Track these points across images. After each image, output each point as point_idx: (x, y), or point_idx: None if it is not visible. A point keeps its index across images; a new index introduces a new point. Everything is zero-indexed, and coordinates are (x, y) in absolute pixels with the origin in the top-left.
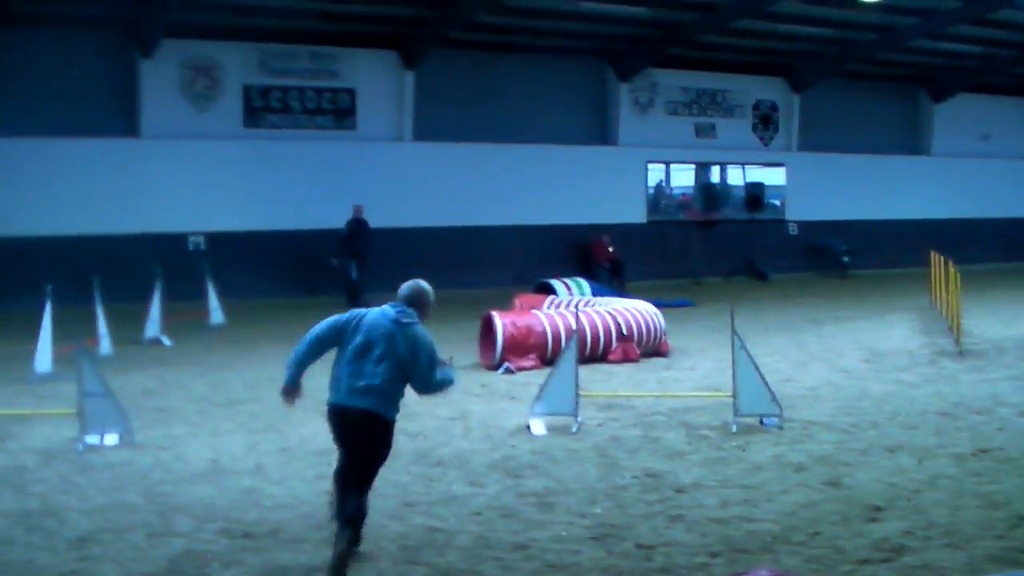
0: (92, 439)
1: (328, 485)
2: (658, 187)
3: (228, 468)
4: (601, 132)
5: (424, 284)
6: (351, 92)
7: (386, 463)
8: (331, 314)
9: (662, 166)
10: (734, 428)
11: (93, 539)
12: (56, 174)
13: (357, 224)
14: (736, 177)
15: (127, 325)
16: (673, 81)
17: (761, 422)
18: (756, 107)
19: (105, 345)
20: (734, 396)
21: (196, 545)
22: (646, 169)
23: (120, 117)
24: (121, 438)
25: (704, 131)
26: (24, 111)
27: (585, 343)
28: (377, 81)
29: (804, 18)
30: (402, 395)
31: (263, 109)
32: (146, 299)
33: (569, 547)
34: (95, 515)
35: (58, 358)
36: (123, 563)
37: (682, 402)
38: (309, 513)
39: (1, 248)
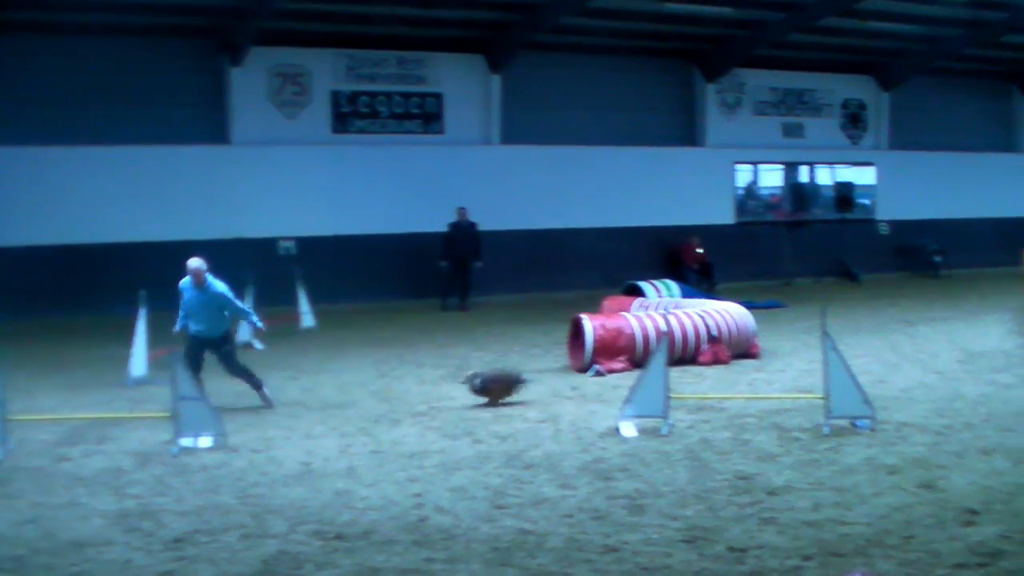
0: (186, 442)
1: (420, 487)
2: (747, 188)
3: (321, 470)
4: (688, 133)
5: (192, 261)
6: (438, 96)
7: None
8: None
9: (750, 167)
10: (826, 430)
11: (189, 540)
12: (148, 181)
13: (457, 227)
14: (825, 177)
15: None
16: (760, 81)
17: (853, 424)
18: (844, 106)
19: None
20: (825, 398)
21: (289, 547)
22: (734, 170)
23: (211, 124)
24: (215, 441)
25: (792, 131)
26: (116, 119)
27: (675, 345)
28: (464, 85)
29: (891, 15)
30: (223, 321)
31: (351, 115)
32: None
33: (660, 549)
34: (190, 516)
35: (153, 362)
36: (218, 564)
37: (773, 404)
38: (401, 515)
39: (96, 254)
